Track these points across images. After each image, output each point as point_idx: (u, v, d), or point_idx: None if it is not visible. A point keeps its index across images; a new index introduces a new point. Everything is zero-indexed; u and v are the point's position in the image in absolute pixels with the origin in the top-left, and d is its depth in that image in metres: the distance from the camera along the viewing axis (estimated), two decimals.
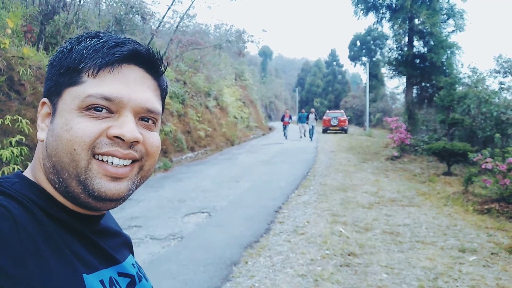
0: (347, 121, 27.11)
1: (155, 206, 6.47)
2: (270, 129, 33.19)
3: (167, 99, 13.10)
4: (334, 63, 56.72)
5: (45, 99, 0.66)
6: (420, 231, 5.23)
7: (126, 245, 0.79)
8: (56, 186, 0.61)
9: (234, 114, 22.10)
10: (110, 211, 0.75)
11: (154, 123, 0.67)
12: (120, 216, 5.89)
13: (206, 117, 16.71)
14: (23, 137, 5.95)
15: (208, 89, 19.12)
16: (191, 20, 18.96)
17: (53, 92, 0.63)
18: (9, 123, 5.84)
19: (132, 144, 0.62)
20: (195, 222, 5.57)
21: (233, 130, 20.08)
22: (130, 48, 0.63)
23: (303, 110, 23.42)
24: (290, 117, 23.21)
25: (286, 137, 21.64)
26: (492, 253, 4.44)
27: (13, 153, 5.62)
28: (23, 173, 0.66)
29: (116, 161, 0.61)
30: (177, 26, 17.78)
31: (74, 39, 0.65)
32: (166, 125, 12.22)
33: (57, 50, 0.67)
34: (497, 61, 14.06)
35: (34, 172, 0.65)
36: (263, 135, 26.54)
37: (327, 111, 32.00)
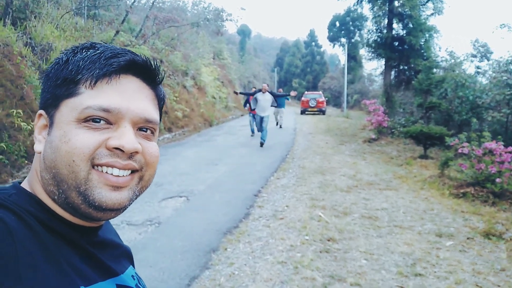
0: (325, 103, 27.22)
1: None
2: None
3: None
4: (313, 43, 56.55)
5: (41, 111, 0.66)
6: (397, 216, 5.28)
7: (126, 256, 0.79)
8: (56, 197, 0.61)
9: (213, 94, 21.80)
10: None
11: (152, 132, 0.67)
12: None
13: (184, 97, 16.39)
14: None
15: (185, 68, 18.71)
16: None
17: (50, 104, 0.63)
18: None
19: (131, 155, 0.62)
20: (173, 207, 5.45)
21: (211, 111, 19.83)
22: (127, 58, 0.63)
23: (280, 90, 18.01)
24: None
25: (253, 133, 13.72)
26: (468, 238, 4.53)
27: None
28: (21, 185, 0.65)
29: (116, 171, 0.61)
30: (153, 2, 17.20)
31: (69, 50, 0.65)
32: None
33: (52, 62, 0.66)
34: (474, 45, 14.25)
35: (32, 183, 0.65)
36: (242, 115, 26.35)
37: (306, 92, 31.98)
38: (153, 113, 0.66)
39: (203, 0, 21.31)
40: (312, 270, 3.59)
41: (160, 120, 0.72)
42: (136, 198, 0.66)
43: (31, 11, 8.64)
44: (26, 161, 6.18)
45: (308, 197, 6.01)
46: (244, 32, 63.78)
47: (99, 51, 0.63)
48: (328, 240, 4.33)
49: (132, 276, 0.74)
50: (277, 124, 16.80)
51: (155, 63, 0.67)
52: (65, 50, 0.66)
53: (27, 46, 7.56)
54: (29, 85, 6.83)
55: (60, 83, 0.62)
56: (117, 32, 12.95)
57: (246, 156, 9.70)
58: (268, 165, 8.59)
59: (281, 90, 16.79)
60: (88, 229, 0.66)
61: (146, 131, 0.65)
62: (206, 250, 4.04)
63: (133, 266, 0.81)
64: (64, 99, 0.61)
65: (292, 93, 12.45)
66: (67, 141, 0.58)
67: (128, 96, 0.62)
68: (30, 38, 7.87)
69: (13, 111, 6.16)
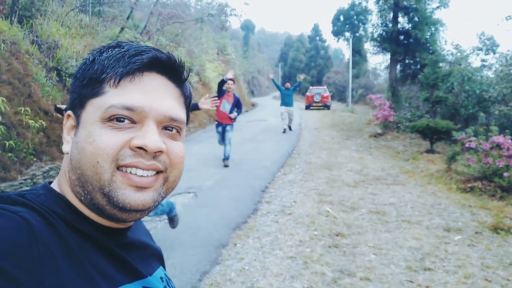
0: (330, 97, 27.11)
1: None
2: (253, 105, 32.95)
3: None
4: (317, 38, 56.29)
5: (69, 112, 0.65)
6: (405, 210, 5.29)
7: (156, 257, 0.78)
8: (82, 198, 0.60)
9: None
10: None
11: (178, 132, 0.65)
12: None
13: None
14: None
15: (190, 64, 18.71)
16: None
17: (77, 104, 0.63)
18: None
19: (155, 155, 0.60)
20: (182, 203, 5.49)
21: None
22: (150, 55, 0.61)
23: (288, 84, 13.87)
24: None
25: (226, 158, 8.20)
26: (476, 232, 4.53)
27: None
28: (51, 185, 0.65)
29: (139, 172, 0.59)
30: None
31: (96, 50, 0.64)
32: None
33: (80, 62, 0.66)
34: (480, 38, 14.11)
35: (60, 184, 0.64)
36: (246, 111, 26.34)
37: (310, 87, 31.86)
38: (178, 112, 0.64)
39: None
40: (321, 265, 3.62)
41: (188, 118, 0.71)
42: (161, 200, 0.64)
43: (37, 9, 8.66)
44: (35, 159, 6.23)
45: (316, 192, 6.02)
46: (248, 27, 63.60)
47: (124, 49, 0.62)
48: (337, 235, 4.35)
49: (161, 278, 0.73)
50: (289, 128, 13.96)
51: (180, 60, 0.66)
52: (92, 50, 0.65)
53: (34, 44, 7.59)
54: (36, 83, 6.87)
55: (86, 83, 0.61)
56: (122, 29, 12.97)
57: (252, 151, 9.72)
58: (275, 160, 8.60)
59: (289, 84, 13.67)
60: (116, 230, 0.65)
61: (171, 130, 0.64)
62: (216, 245, 4.08)
63: (164, 267, 0.80)
64: (90, 98, 0.61)
65: (301, 76, 12.54)
66: (91, 142, 0.58)
67: (152, 94, 0.61)
68: (36, 36, 7.90)
69: (21, 109, 6.20)
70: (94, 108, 0.60)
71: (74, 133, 0.62)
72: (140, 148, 0.58)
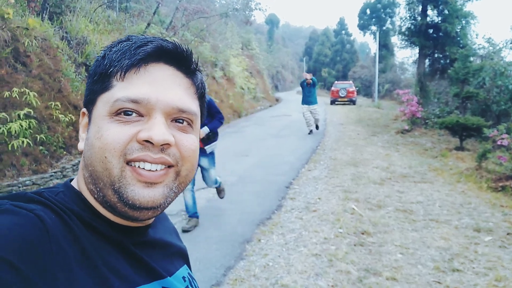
0: (355, 92, 26.75)
1: None
2: (277, 100, 32.88)
3: None
4: (343, 32, 55.51)
5: (84, 109, 0.65)
6: (433, 209, 5.16)
7: (180, 256, 0.76)
8: (95, 196, 0.59)
9: (241, 85, 21.82)
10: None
11: (189, 124, 0.62)
12: None
13: (213, 88, 16.50)
14: (31, 110, 5.85)
15: (214, 59, 18.80)
16: None
17: (89, 101, 0.62)
18: (17, 96, 5.73)
19: (163, 148, 0.58)
20: (206, 198, 5.53)
21: (240, 102, 19.88)
22: (154, 45, 0.59)
23: (308, 77, 11.41)
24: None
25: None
26: (508, 233, 4.37)
27: (21, 126, 5.55)
28: (71, 183, 0.64)
29: (148, 166, 0.57)
30: None
31: (108, 46, 0.62)
32: None
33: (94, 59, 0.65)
34: None
35: (79, 182, 0.63)
36: (270, 106, 26.30)
37: (336, 81, 31.52)
38: (187, 102, 0.61)
39: None
40: (347, 263, 3.58)
41: (203, 109, 0.69)
42: (174, 196, 0.62)
43: (66, 5, 8.87)
44: (65, 152, 6.41)
45: (341, 189, 5.96)
46: (272, 22, 63.37)
47: (131, 42, 0.60)
48: (362, 233, 4.29)
49: (183, 277, 0.71)
50: (316, 127, 12.35)
51: (187, 48, 0.63)
52: (105, 47, 0.64)
53: (63, 40, 7.78)
54: (66, 78, 7.04)
55: (97, 79, 0.61)
56: (148, 24, 13.14)
57: (276, 147, 9.69)
58: (299, 156, 8.55)
59: (308, 77, 11.27)
60: (134, 229, 0.64)
61: (182, 123, 0.61)
62: (240, 241, 4.09)
63: (188, 266, 0.78)
64: (100, 94, 0.60)
65: (307, 76, 11.20)
66: (99, 137, 0.57)
67: (159, 85, 0.59)
68: (66, 32, 8.09)
69: (52, 104, 6.38)
70: (103, 103, 0.59)
71: (87, 129, 0.62)
72: (147, 141, 0.56)
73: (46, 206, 0.54)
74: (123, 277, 0.56)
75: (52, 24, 7.82)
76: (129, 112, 0.57)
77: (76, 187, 0.63)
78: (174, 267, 0.71)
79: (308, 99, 11.65)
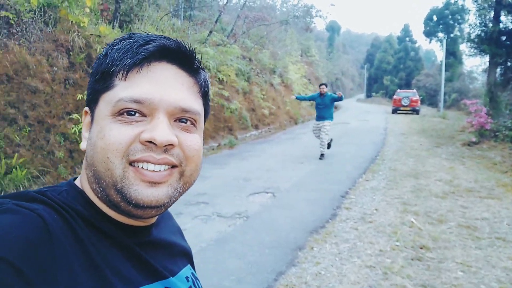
0: (419, 101, 25.64)
1: (221, 184, 6.59)
2: (336, 107, 32.39)
3: (233, 77, 13.19)
4: (407, 38, 53.54)
5: (86, 108, 0.64)
6: (500, 227, 4.80)
7: (184, 256, 0.76)
8: (99, 195, 0.59)
9: (299, 92, 21.79)
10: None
11: (193, 124, 0.62)
12: (188, 192, 6.05)
13: (271, 95, 16.64)
14: None
15: (273, 66, 18.96)
16: None
17: (92, 100, 0.61)
18: None
19: (166, 148, 0.57)
20: (260, 202, 5.58)
21: (297, 109, 19.86)
22: (157, 44, 0.58)
23: (323, 88, 9.21)
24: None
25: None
26: None
27: None
28: (75, 181, 0.64)
29: (151, 167, 0.57)
30: (244, 2, 17.71)
31: (110, 44, 0.62)
32: (232, 103, 12.33)
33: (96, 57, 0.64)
34: None
35: (82, 181, 0.63)
36: None
37: (398, 90, 30.41)
38: (190, 102, 0.60)
39: None
40: (402, 278, 3.44)
41: (208, 109, 0.68)
42: (179, 196, 0.61)
43: (135, 14, 9.44)
44: None
45: (400, 201, 5.74)
46: (333, 28, 62.77)
47: (133, 40, 0.59)
48: (421, 248, 4.10)
49: (187, 277, 0.71)
50: (321, 156, 9.14)
51: (190, 47, 0.62)
52: (107, 44, 0.63)
53: None
54: None
55: (99, 78, 0.60)
56: (211, 32, 13.57)
57: (332, 155, 9.55)
58: (356, 166, 8.36)
59: (324, 88, 9.15)
60: (137, 228, 0.63)
61: (185, 122, 0.60)
62: (293, 247, 4.08)
63: (192, 266, 0.78)
64: (102, 93, 0.59)
65: (339, 93, 9.08)
66: (102, 137, 0.56)
67: (161, 84, 0.58)
68: None
69: None
70: (105, 102, 0.58)
71: (90, 129, 0.61)
72: (150, 142, 0.56)
73: (48, 205, 0.54)
74: (125, 278, 0.56)
75: (122, 31, 8.35)
76: (132, 112, 0.57)
77: (79, 186, 0.63)
78: (177, 267, 0.70)
79: (320, 113, 9.30)
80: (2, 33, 5.88)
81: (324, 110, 9.20)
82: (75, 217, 0.55)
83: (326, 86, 9.32)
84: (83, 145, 0.63)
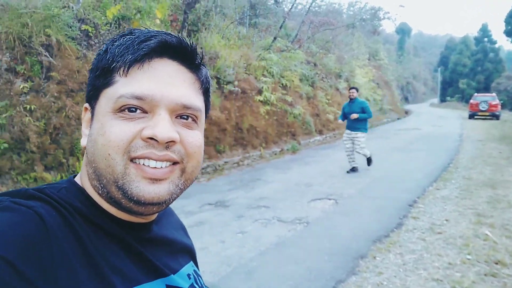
0: (499, 106, 23.72)
1: (283, 189, 6.59)
2: (407, 112, 31.04)
3: (297, 82, 13.16)
4: (485, 39, 49.75)
5: (86, 104, 0.64)
6: None
7: (186, 253, 0.75)
8: (99, 192, 0.59)
9: (366, 96, 21.15)
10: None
11: (194, 120, 0.61)
12: (250, 195, 6.17)
13: (336, 100, 16.34)
14: None
15: (339, 70, 18.64)
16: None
17: (92, 96, 0.61)
18: None
19: (168, 145, 0.57)
20: (321, 209, 5.49)
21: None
22: (158, 40, 0.58)
23: (353, 92, 8.25)
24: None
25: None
26: None
27: None
28: (75, 178, 0.64)
29: (152, 163, 0.56)
30: (309, 7, 17.66)
31: (110, 40, 0.61)
32: (295, 108, 12.29)
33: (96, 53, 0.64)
34: None
35: (82, 177, 0.63)
36: (398, 119, 24.94)
37: (475, 94, 28.39)
38: (192, 98, 0.60)
39: (359, 0, 20.92)
40: None
41: (209, 104, 0.67)
42: (180, 192, 0.61)
43: (202, 23, 9.80)
44: None
45: (473, 212, 5.32)
46: (403, 31, 60.34)
47: (134, 36, 0.59)
48: (496, 263, 3.76)
49: (188, 275, 0.70)
50: (353, 169, 8.07)
51: (191, 43, 0.62)
52: (107, 40, 0.63)
53: None
54: None
55: (99, 74, 0.59)
56: (275, 38, 13.68)
57: (401, 162, 9.14)
58: (427, 173, 7.91)
59: (354, 92, 8.23)
60: (137, 225, 0.63)
61: (187, 119, 0.60)
62: (354, 255, 3.95)
63: (195, 263, 0.76)
64: (103, 89, 0.59)
65: (355, 116, 7.87)
66: (103, 134, 0.56)
67: (163, 81, 0.58)
68: (201, 48, 8.93)
69: None
70: (106, 99, 0.58)
71: (90, 125, 0.61)
72: (151, 138, 0.56)
73: (47, 202, 0.53)
74: (125, 275, 0.56)
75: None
76: (133, 109, 0.56)
77: (79, 183, 0.62)
78: (178, 264, 0.69)
79: (350, 123, 8.14)
80: (82, 44, 6.42)
81: (354, 119, 7.93)
82: (74, 214, 0.55)
83: (357, 91, 8.13)
84: (83, 142, 0.63)
